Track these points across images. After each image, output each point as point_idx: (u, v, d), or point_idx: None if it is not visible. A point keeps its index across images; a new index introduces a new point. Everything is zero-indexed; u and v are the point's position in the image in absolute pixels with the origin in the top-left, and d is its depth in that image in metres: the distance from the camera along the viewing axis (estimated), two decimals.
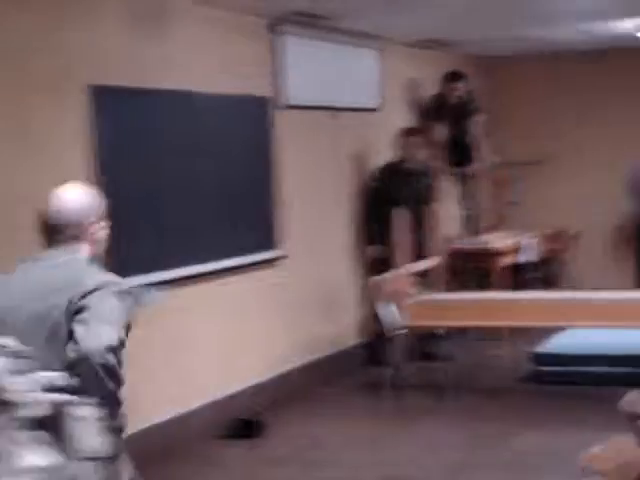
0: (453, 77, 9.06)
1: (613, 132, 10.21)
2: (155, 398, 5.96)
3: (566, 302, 7.12)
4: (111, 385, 2.89)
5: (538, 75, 10.55)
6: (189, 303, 6.32)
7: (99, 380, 2.86)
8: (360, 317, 8.24)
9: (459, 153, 9.24)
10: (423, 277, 7.84)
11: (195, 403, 6.40)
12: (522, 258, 9.29)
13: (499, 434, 6.18)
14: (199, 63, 6.45)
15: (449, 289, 7.93)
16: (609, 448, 2.76)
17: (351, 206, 8.19)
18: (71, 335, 2.91)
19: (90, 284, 2.97)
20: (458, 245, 8.97)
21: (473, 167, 9.22)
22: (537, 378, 7.38)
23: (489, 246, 8.93)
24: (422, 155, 8.25)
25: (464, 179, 9.19)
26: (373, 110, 8.52)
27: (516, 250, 9.23)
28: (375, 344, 8.01)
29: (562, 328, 7.71)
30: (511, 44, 9.50)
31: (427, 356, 7.94)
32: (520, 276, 9.46)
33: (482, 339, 8.36)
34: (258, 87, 7.02)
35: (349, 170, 8.21)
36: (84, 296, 2.95)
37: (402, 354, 7.42)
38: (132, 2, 5.84)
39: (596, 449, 2.73)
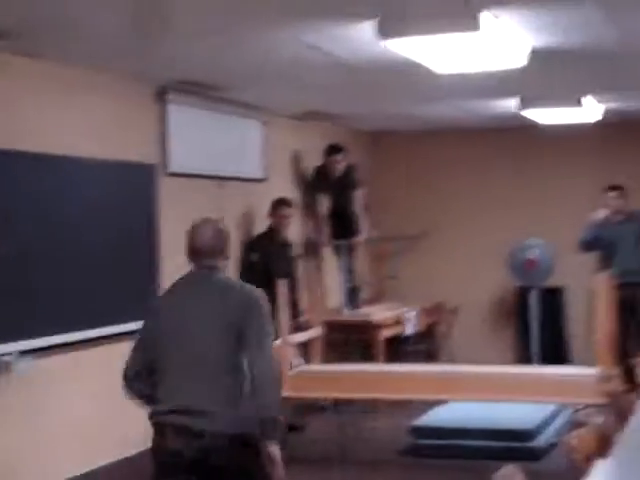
0: (333, 150, 9.16)
1: (492, 208, 10.45)
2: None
3: (445, 375, 7.16)
4: None
5: (420, 151, 10.76)
6: (56, 372, 6.14)
7: None
8: None
9: (341, 226, 9.32)
10: (303, 348, 7.83)
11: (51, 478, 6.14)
12: (404, 331, 9.36)
13: None
14: (80, 127, 6.39)
15: (329, 361, 7.91)
16: None
17: (234, 277, 8.13)
18: None
19: None
20: (340, 317, 8.99)
21: (354, 240, 9.30)
22: (416, 451, 7.39)
23: (370, 318, 8.97)
24: (289, 226, 8.32)
25: (346, 251, 9.25)
26: (258, 180, 8.55)
27: (396, 323, 9.30)
28: None
29: (441, 401, 7.77)
30: (394, 120, 9.67)
31: (292, 427, 7.89)
32: (400, 349, 9.52)
33: (364, 411, 8.34)
34: (143, 154, 6.98)
35: (233, 240, 8.16)
36: None
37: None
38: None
39: None
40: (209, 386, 3.76)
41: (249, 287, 3.93)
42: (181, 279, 3.97)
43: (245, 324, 3.75)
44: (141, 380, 3.90)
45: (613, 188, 9.39)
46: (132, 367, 3.91)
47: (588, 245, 9.41)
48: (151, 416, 3.88)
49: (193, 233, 3.95)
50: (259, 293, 3.89)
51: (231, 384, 3.78)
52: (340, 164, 9.16)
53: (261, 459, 3.73)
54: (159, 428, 3.83)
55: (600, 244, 9.39)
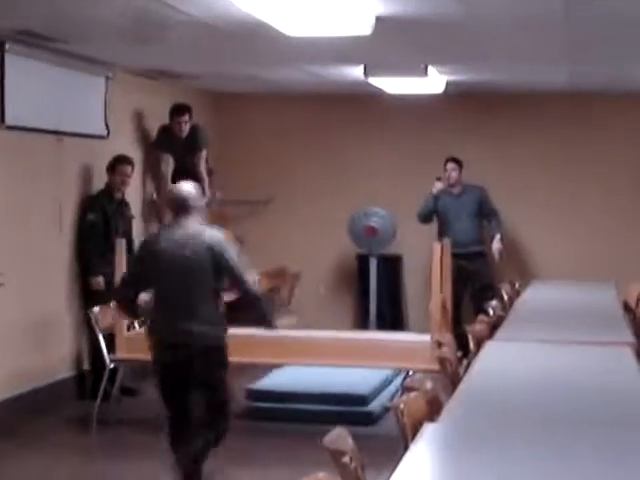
0: (179, 110, 9.01)
1: (337, 175, 10.49)
2: None
3: (283, 340, 7.17)
4: None
5: (267, 114, 10.70)
6: None
7: None
8: (75, 349, 7.98)
9: None
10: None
11: None
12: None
13: (209, 471, 6.11)
14: None
15: None
16: None
17: (73, 236, 7.94)
18: None
19: None
20: None
21: None
22: (252, 414, 7.40)
23: None
24: (128, 185, 8.16)
25: None
26: (99, 137, 8.34)
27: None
28: (89, 377, 7.81)
29: (279, 365, 7.79)
30: (241, 82, 9.58)
31: (127, 391, 7.80)
32: (242, 313, 9.48)
33: None
34: None
35: (72, 199, 7.97)
36: None
37: (116, 389, 7.25)
38: None
39: None
40: (196, 309, 5.27)
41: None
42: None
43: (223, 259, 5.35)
44: (129, 291, 5.46)
45: (451, 160, 9.62)
46: (129, 281, 5.53)
47: (426, 216, 9.62)
48: (150, 333, 5.44)
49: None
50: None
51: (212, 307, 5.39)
52: (185, 125, 9.02)
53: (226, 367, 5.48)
54: (158, 343, 5.38)
55: (437, 215, 9.63)
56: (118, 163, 8.09)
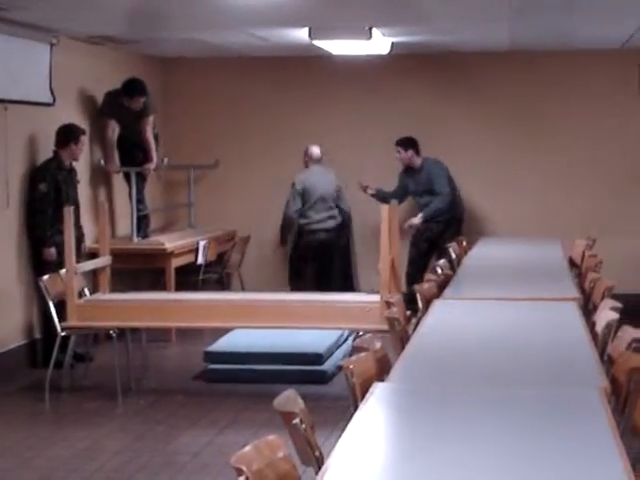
0: (136, 90, 8.91)
1: (286, 138, 10.49)
2: None
3: (234, 303, 7.23)
4: None
5: (213, 79, 10.66)
6: None
7: None
8: (27, 319, 7.97)
9: (131, 153, 9.16)
10: (93, 277, 7.73)
11: None
12: (196, 260, 9.36)
13: (164, 435, 6.18)
14: None
15: (119, 290, 7.83)
16: (257, 447, 2.81)
17: (22, 207, 7.88)
18: None
19: None
20: (129, 245, 8.89)
21: (144, 167, 9.16)
22: (208, 376, 7.47)
23: (161, 247, 8.91)
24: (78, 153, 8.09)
25: (136, 179, 9.10)
26: (45, 104, 8.26)
27: (188, 251, 9.29)
28: (41, 346, 7.82)
29: (232, 329, 7.85)
30: (186, 46, 9.53)
31: (80, 357, 7.81)
32: (192, 278, 9.52)
33: (154, 340, 8.33)
34: None
35: (19, 168, 7.90)
36: None
37: (68, 356, 7.26)
38: None
39: (246, 448, 2.76)
40: None
41: None
42: None
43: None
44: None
45: (396, 144, 9.70)
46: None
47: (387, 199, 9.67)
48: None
49: None
50: None
51: None
52: (140, 103, 8.97)
53: None
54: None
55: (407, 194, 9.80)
56: (80, 134, 7.99)
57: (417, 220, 9.56)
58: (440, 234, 9.54)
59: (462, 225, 9.84)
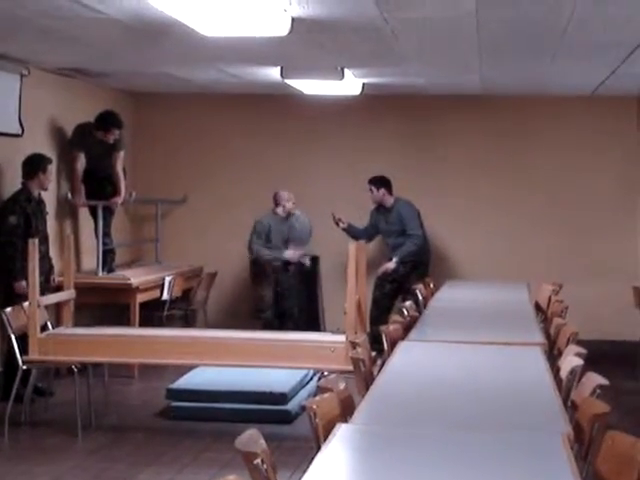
0: (114, 123, 8.90)
1: (253, 175, 10.49)
2: None
3: (198, 340, 7.17)
4: None
5: (183, 114, 10.66)
6: None
7: None
8: None
9: (99, 186, 9.11)
10: (56, 310, 7.64)
11: None
12: (162, 295, 9.30)
13: (124, 473, 6.09)
14: None
15: (82, 324, 7.75)
16: None
17: None
18: None
19: None
20: (94, 279, 8.81)
21: (112, 201, 9.11)
22: (170, 414, 7.39)
23: (126, 282, 8.85)
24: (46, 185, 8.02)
25: (103, 213, 9.04)
26: (13, 135, 8.22)
27: (153, 287, 9.23)
28: (1, 379, 7.71)
29: (195, 366, 7.78)
30: (157, 81, 9.53)
31: (41, 392, 7.72)
32: (157, 314, 9.45)
33: (116, 376, 8.24)
34: None
35: None
36: None
37: (29, 390, 7.16)
38: None
39: None
40: None
41: None
42: None
43: None
44: None
45: (369, 182, 9.73)
46: None
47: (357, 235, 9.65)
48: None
49: None
50: None
51: None
52: (115, 135, 8.94)
53: None
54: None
55: (377, 232, 9.82)
56: (47, 163, 7.93)
57: (392, 265, 9.55)
58: (406, 276, 9.54)
59: (429, 267, 9.84)
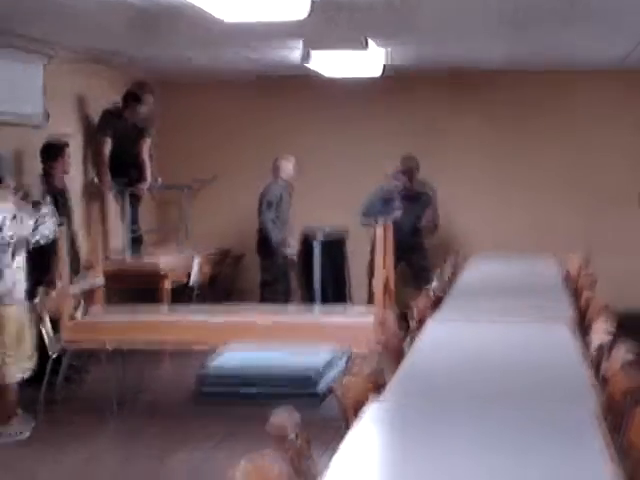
0: (141, 89, 8.94)
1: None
2: None
3: (228, 323, 7.19)
4: None
5: (206, 100, 10.67)
6: None
7: None
8: None
9: (126, 172, 9.14)
10: (86, 296, 7.68)
11: None
12: (189, 279, 9.32)
13: (156, 454, 6.13)
14: None
15: (112, 310, 7.79)
16: (253, 462, 2.79)
17: None
18: None
19: None
20: (123, 265, 8.85)
21: (139, 187, 9.14)
22: (200, 397, 7.42)
23: (155, 266, 8.88)
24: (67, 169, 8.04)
25: (130, 198, 9.08)
26: (38, 124, 8.25)
27: (182, 271, 9.25)
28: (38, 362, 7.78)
29: (226, 348, 7.80)
30: (180, 66, 9.54)
31: (75, 371, 7.78)
32: (186, 296, 9.48)
33: (147, 359, 8.29)
34: None
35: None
36: None
37: (62, 374, 7.23)
38: None
39: (242, 462, 2.74)
40: None
41: None
42: None
43: None
44: None
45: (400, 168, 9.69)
46: None
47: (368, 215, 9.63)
48: None
49: None
50: None
51: None
52: (149, 105, 8.96)
53: None
54: None
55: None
56: (65, 146, 7.94)
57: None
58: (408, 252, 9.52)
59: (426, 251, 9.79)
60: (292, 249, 9.47)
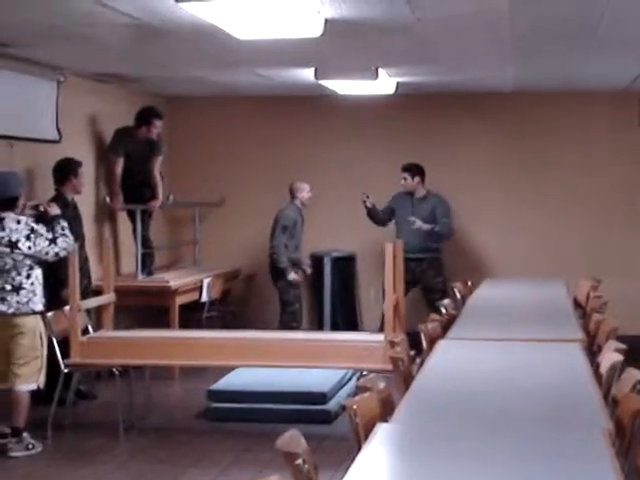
0: (153, 114, 9.01)
1: (289, 177, 10.50)
2: None
3: (238, 341, 7.21)
4: None
5: (218, 117, 10.71)
6: None
7: None
8: None
9: (137, 190, 9.17)
10: (97, 314, 7.71)
11: None
12: (201, 297, 9.35)
13: (166, 474, 6.14)
14: None
15: (123, 327, 7.82)
16: None
17: None
18: None
19: None
20: (134, 283, 8.88)
21: (150, 205, 9.17)
22: (211, 415, 7.44)
23: (166, 284, 8.90)
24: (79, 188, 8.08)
25: (141, 216, 9.11)
26: (52, 142, 8.30)
27: (193, 289, 9.28)
28: (45, 382, 7.78)
29: (235, 367, 7.82)
30: (191, 85, 9.59)
31: (83, 395, 7.79)
32: (196, 315, 9.51)
33: (157, 378, 8.30)
34: None
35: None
36: None
37: (71, 393, 7.24)
38: None
39: None
40: None
41: None
42: None
43: None
44: None
45: (404, 169, 9.71)
46: None
47: (376, 217, 9.69)
48: None
49: None
50: None
51: None
52: (157, 129, 9.05)
53: None
54: None
55: (395, 216, 9.74)
56: (77, 166, 8.00)
57: (426, 226, 9.51)
58: (422, 273, 9.48)
59: (443, 267, 9.76)
60: (293, 275, 9.46)
